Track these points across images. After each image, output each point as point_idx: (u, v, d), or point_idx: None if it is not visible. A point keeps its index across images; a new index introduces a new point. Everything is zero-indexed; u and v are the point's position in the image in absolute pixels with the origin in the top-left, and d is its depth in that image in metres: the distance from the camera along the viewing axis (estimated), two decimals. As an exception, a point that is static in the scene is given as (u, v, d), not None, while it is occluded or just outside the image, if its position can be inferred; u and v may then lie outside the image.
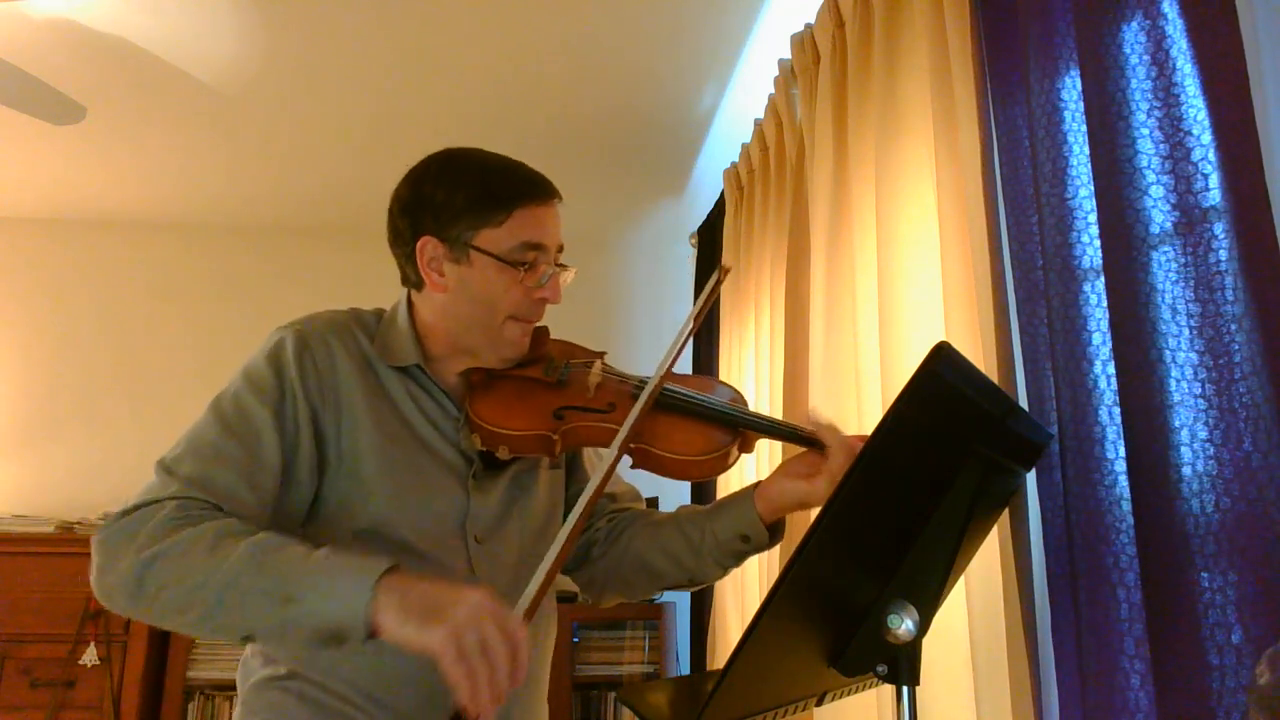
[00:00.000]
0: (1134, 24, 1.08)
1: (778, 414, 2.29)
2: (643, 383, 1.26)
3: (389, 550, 1.14)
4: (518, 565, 1.23)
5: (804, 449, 1.22)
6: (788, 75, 2.41)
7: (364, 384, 1.21)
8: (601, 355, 1.33)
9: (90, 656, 3.09)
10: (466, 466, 1.24)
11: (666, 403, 1.23)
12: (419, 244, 1.21)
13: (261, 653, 1.21)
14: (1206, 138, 0.98)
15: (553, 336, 1.33)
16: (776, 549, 2.14)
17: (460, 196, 1.20)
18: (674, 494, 2.50)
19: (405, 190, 1.25)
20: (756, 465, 2.39)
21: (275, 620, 0.99)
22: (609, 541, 1.36)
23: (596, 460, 1.43)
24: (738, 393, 1.32)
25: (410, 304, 1.28)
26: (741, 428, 1.23)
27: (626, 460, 1.22)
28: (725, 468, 1.23)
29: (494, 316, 1.21)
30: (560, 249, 1.25)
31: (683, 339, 1.25)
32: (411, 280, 1.26)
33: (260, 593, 0.99)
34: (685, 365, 3.62)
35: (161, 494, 1.06)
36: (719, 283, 1.31)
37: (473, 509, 1.22)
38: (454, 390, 1.26)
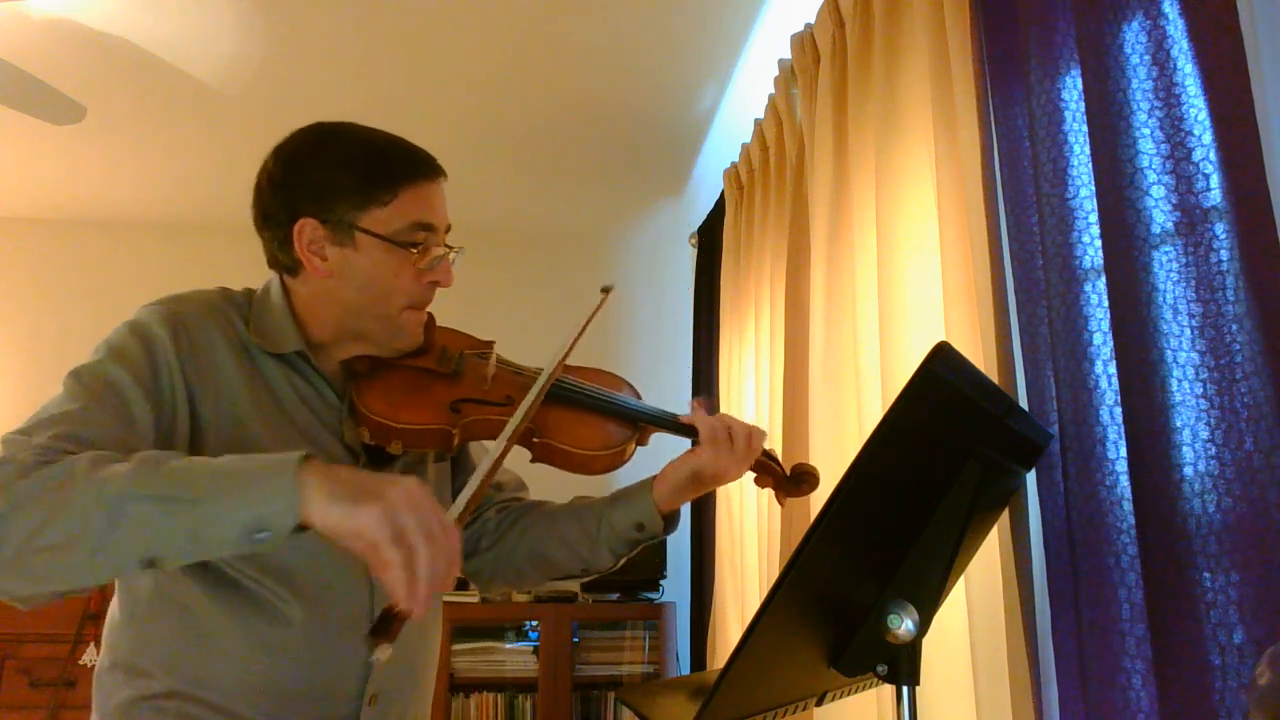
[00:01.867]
0: (1134, 24, 1.08)
1: (778, 417, 2.29)
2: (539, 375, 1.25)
3: (278, 551, 1.04)
4: None
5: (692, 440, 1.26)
6: (788, 75, 2.40)
7: (242, 369, 1.11)
8: (491, 344, 1.28)
9: (90, 656, 3.09)
10: (352, 460, 1.16)
11: (568, 397, 1.23)
12: (297, 226, 1.12)
13: (129, 667, 1.07)
14: (1207, 138, 0.98)
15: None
16: (777, 551, 2.15)
17: (343, 175, 1.12)
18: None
19: (278, 168, 1.15)
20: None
21: (188, 526, 0.84)
22: (499, 532, 1.34)
23: (483, 452, 1.38)
24: (632, 386, 1.33)
25: (285, 287, 1.18)
26: (641, 423, 1.25)
27: (519, 452, 1.21)
28: (623, 462, 1.24)
29: (389, 304, 1.14)
30: (448, 229, 1.19)
31: (577, 334, 1.23)
32: (283, 264, 1.17)
33: (165, 500, 0.84)
34: (684, 363, 3.63)
35: (13, 453, 0.89)
36: (602, 302, 1.30)
37: None
38: (334, 378, 1.18)
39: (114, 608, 1.13)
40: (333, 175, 1.12)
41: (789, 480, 1.32)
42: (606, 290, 1.32)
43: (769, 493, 2.25)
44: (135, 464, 0.87)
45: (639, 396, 1.31)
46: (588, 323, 1.26)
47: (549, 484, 1.40)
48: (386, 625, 0.83)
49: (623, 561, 1.30)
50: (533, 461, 1.22)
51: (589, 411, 1.24)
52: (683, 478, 1.23)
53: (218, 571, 1.07)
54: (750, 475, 1.30)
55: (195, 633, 1.07)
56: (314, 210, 1.12)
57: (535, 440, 1.20)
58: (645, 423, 1.26)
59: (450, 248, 1.19)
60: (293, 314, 1.17)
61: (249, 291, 1.21)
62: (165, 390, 1.05)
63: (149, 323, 1.08)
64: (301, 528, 0.85)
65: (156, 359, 1.05)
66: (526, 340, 1.36)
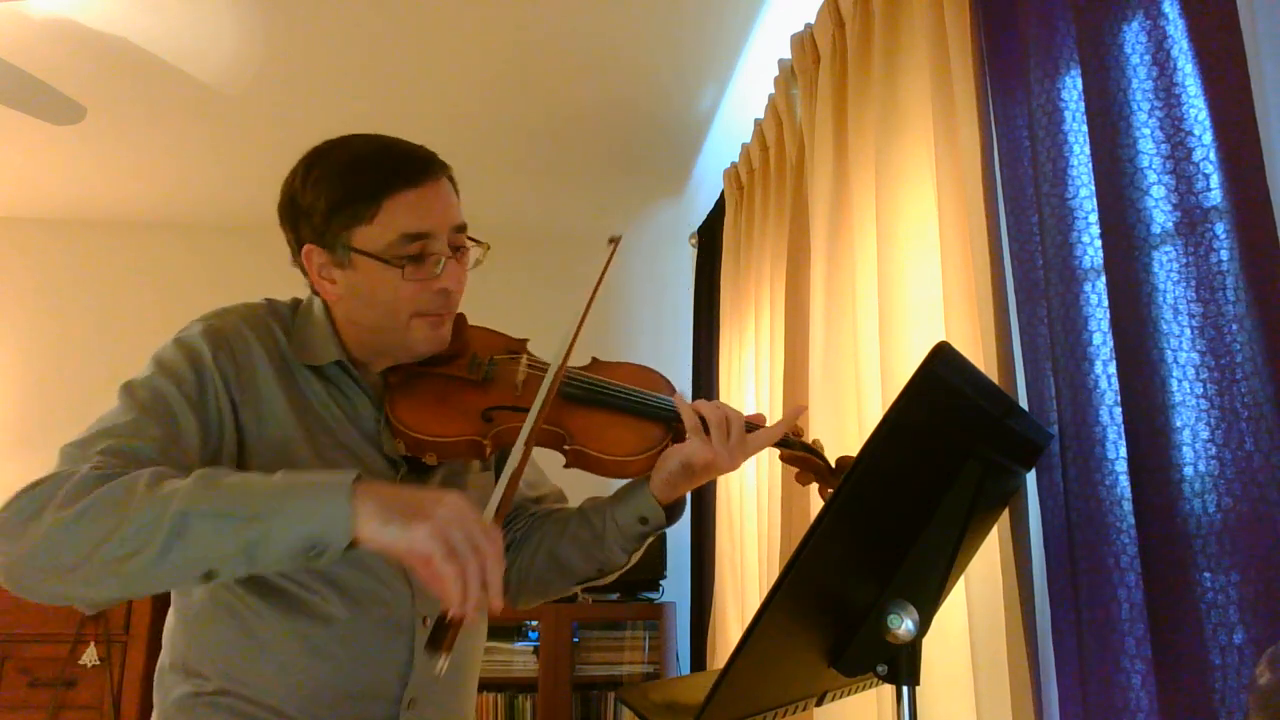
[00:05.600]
0: (1134, 24, 1.08)
1: (778, 417, 2.29)
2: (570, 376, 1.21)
3: (322, 567, 1.07)
4: None
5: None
6: (788, 75, 2.40)
7: (283, 383, 1.13)
8: (524, 343, 1.26)
9: (90, 656, 3.08)
10: (393, 471, 1.17)
11: (593, 398, 1.19)
12: (304, 253, 1.14)
13: (184, 667, 1.12)
14: (1207, 138, 0.98)
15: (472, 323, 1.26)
16: (777, 551, 2.15)
17: (325, 196, 1.11)
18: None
19: (282, 198, 1.17)
20: (756, 468, 2.39)
21: (246, 541, 0.90)
22: (521, 542, 1.33)
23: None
24: (667, 380, 1.28)
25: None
26: (674, 421, 1.19)
27: (560, 459, 1.18)
28: None
29: (396, 317, 1.13)
30: (460, 228, 1.15)
31: (582, 317, 1.17)
32: (311, 289, 1.20)
33: (224, 516, 0.90)
34: (684, 363, 3.63)
35: (74, 466, 0.94)
36: (613, 254, 1.22)
37: None
38: (375, 390, 1.20)
39: (171, 610, 1.16)
40: (317, 198, 1.12)
41: (833, 474, 1.25)
42: (615, 240, 1.24)
43: (768, 492, 2.26)
44: (194, 481, 0.92)
45: (674, 389, 1.26)
46: (581, 322, 1.18)
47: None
48: (442, 635, 0.90)
49: (636, 557, 1.29)
50: (566, 467, 1.20)
51: (619, 412, 1.19)
52: (673, 468, 1.19)
53: (266, 576, 1.09)
54: (792, 470, 1.27)
55: (245, 634, 1.10)
56: (311, 236, 1.13)
57: (567, 447, 1.17)
58: (676, 421, 1.19)
59: (467, 245, 1.17)
60: (334, 327, 1.18)
61: (296, 301, 1.23)
62: (211, 407, 1.08)
63: (194, 340, 1.11)
64: (353, 545, 0.91)
65: (203, 376, 1.08)
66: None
